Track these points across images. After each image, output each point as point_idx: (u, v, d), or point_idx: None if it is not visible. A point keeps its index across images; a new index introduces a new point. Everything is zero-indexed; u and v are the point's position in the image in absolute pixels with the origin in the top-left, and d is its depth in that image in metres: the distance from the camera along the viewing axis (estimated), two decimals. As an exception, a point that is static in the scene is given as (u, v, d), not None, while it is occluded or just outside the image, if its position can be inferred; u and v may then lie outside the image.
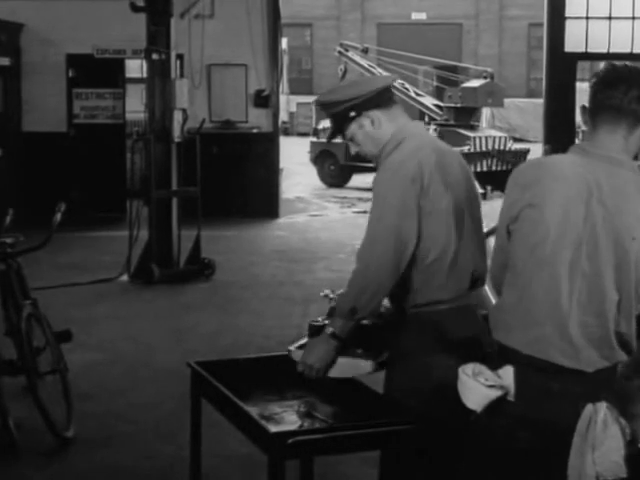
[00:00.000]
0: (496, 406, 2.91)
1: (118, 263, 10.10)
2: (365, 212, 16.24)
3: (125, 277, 10.01)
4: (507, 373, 2.91)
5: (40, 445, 5.32)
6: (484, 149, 19.03)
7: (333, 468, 4.90)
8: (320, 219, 15.32)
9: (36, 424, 5.27)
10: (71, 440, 5.35)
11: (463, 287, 3.45)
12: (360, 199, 18.05)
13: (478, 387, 2.90)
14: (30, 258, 5.71)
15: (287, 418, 3.45)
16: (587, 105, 3.00)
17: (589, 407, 2.82)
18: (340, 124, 3.55)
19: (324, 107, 3.60)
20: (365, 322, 3.44)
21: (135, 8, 10.14)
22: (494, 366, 2.96)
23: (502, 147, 19.30)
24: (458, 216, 3.42)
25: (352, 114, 3.48)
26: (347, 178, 20.75)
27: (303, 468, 4.00)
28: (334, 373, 3.47)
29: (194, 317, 8.50)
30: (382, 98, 3.49)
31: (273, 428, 3.26)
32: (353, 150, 3.59)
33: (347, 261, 11.35)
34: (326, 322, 3.49)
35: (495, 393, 2.90)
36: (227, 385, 3.64)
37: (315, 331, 3.51)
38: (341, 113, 3.50)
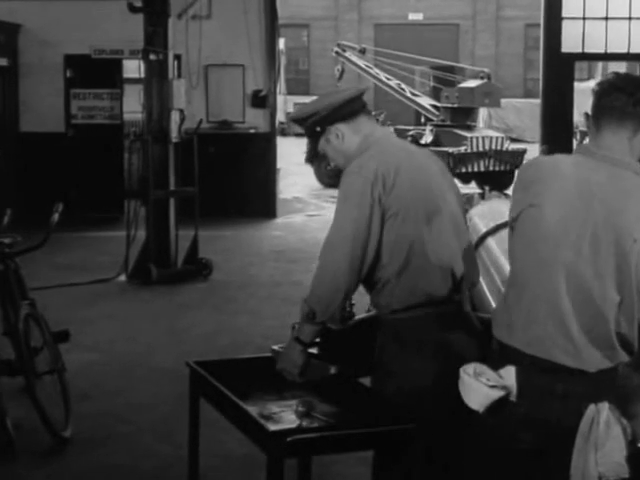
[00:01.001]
0: (498, 406, 2.92)
1: (116, 263, 10.10)
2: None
3: (123, 277, 10.01)
4: (509, 373, 2.92)
5: (38, 445, 5.32)
6: (481, 149, 19.02)
7: (331, 468, 4.91)
8: (317, 219, 15.31)
9: (34, 424, 5.27)
10: (69, 440, 5.35)
11: (442, 290, 3.34)
12: (357, 199, 18.01)
13: (480, 387, 2.90)
14: (28, 258, 5.72)
15: (286, 417, 3.45)
16: (589, 112, 3.02)
17: (592, 407, 2.83)
18: (312, 141, 3.56)
19: (296, 123, 3.61)
20: (333, 327, 3.44)
21: (133, 9, 10.14)
22: (495, 366, 2.96)
23: (499, 147, 19.28)
24: (431, 217, 3.35)
25: (317, 129, 3.50)
26: (344, 178, 20.71)
27: (301, 468, 4.01)
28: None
29: (192, 317, 8.50)
30: (343, 111, 3.47)
31: (272, 427, 3.26)
32: (331, 165, 3.61)
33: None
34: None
35: (497, 393, 2.90)
36: (226, 385, 3.65)
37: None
38: (309, 129, 3.52)
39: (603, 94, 2.98)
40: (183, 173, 10.41)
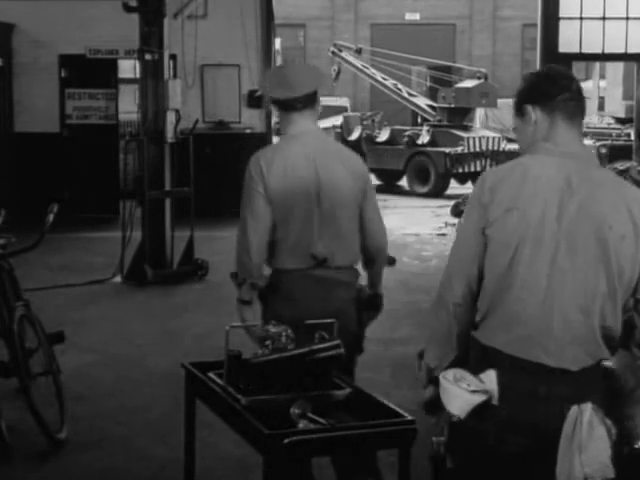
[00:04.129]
0: (482, 411, 2.89)
1: (111, 264, 10.07)
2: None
3: (118, 278, 9.98)
4: (490, 377, 2.88)
5: (32, 447, 5.29)
6: (478, 149, 19.04)
7: (328, 470, 4.88)
8: (314, 220, 15.31)
9: (28, 426, 5.24)
10: (64, 442, 5.33)
11: (306, 261, 4.05)
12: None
13: (460, 393, 2.87)
14: (22, 259, 5.69)
15: (283, 419, 3.41)
16: (532, 107, 2.99)
17: (574, 409, 2.81)
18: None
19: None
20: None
21: (128, 8, 10.11)
22: (476, 370, 2.92)
23: (496, 147, 19.30)
24: (306, 206, 4.03)
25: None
26: (340, 178, 20.72)
27: (298, 469, 3.97)
28: None
29: (187, 318, 8.47)
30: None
31: (268, 429, 3.24)
32: None
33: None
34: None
35: (478, 398, 2.87)
36: (221, 386, 3.62)
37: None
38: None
39: (554, 90, 2.97)
40: (179, 173, 10.38)
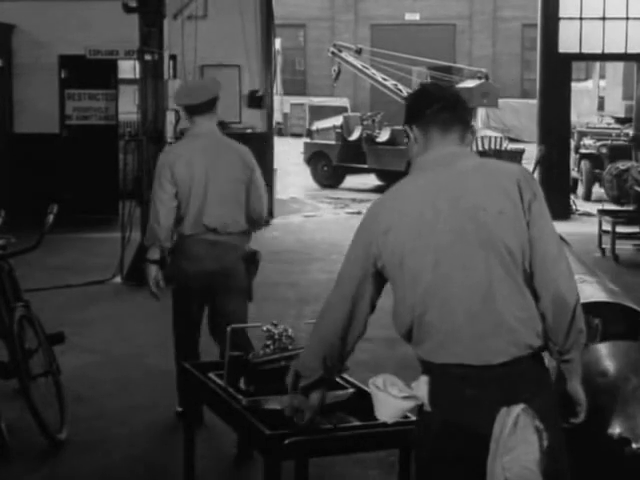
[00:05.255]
0: (418, 418, 2.88)
1: (111, 265, 10.06)
2: (359, 213, 16.22)
3: (118, 279, 9.96)
4: (420, 384, 2.86)
5: (32, 448, 5.28)
6: (480, 149, 19.03)
7: (330, 470, 4.87)
8: (314, 220, 15.30)
9: (28, 427, 5.23)
10: (64, 442, 5.31)
11: (202, 229, 5.34)
12: (354, 200, 18.02)
13: (389, 399, 2.85)
14: (22, 260, 5.68)
15: (283, 419, 3.41)
16: (409, 127, 3.00)
17: (503, 410, 2.74)
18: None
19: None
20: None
21: (128, 9, 10.10)
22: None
23: (497, 147, 19.31)
24: (203, 187, 5.32)
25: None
26: (340, 179, 20.74)
27: (298, 470, 3.97)
28: None
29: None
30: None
31: (269, 429, 3.23)
32: None
33: (341, 262, 11.32)
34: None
35: (408, 404, 2.85)
36: (222, 387, 3.61)
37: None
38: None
39: (423, 106, 2.98)
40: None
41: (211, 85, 5.58)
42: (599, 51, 14.00)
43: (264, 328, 3.70)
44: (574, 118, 15.44)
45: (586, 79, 28.37)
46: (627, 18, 13.80)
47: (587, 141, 18.45)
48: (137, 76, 10.42)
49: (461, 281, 2.81)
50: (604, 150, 17.55)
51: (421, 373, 2.91)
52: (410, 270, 2.86)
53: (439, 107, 2.96)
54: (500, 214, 2.81)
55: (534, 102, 16.28)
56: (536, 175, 13.23)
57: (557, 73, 13.96)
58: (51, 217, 5.52)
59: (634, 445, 3.46)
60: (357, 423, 3.40)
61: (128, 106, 13.85)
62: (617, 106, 23.29)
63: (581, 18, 13.80)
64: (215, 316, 5.51)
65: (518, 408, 2.72)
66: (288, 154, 22.45)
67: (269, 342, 3.62)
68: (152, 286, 5.53)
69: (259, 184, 5.54)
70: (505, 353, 2.78)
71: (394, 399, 2.84)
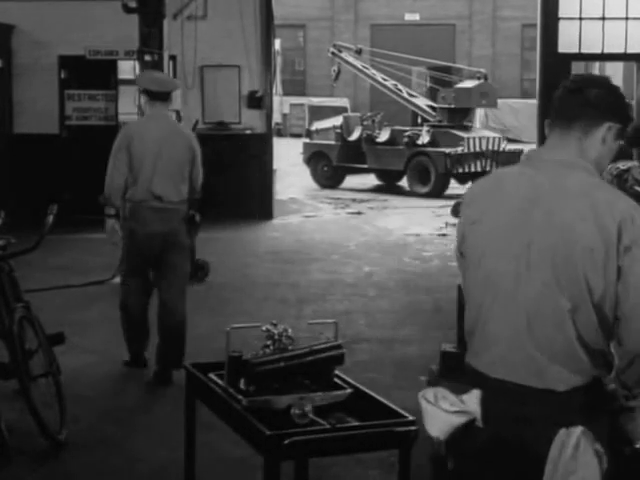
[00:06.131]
0: (466, 432, 2.78)
1: (111, 265, 10.04)
2: (359, 213, 16.23)
3: (118, 279, 9.94)
4: (472, 398, 2.78)
5: (32, 448, 5.28)
6: (478, 150, 19.04)
7: (329, 470, 4.88)
8: (314, 220, 15.30)
9: (28, 427, 5.23)
10: (64, 443, 5.31)
11: (149, 197, 6.41)
12: (354, 200, 18.02)
13: (440, 414, 2.77)
14: (22, 260, 5.68)
15: (283, 419, 3.41)
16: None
17: (562, 432, 2.65)
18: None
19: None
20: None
21: (127, 9, 10.11)
22: (465, 389, 2.83)
23: (496, 148, 19.30)
24: (152, 161, 6.38)
25: None
26: (340, 179, 20.74)
27: (297, 470, 3.97)
28: None
29: (188, 319, 8.44)
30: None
31: (269, 429, 3.23)
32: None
33: (341, 262, 11.33)
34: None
35: (459, 419, 2.77)
36: (222, 387, 3.62)
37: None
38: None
39: (557, 98, 2.91)
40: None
41: (172, 81, 7.14)
42: (599, 51, 13.98)
43: (264, 328, 3.70)
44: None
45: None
46: (627, 18, 13.78)
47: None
48: (137, 76, 10.41)
49: (535, 302, 2.71)
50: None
51: (470, 380, 2.84)
52: (486, 271, 2.79)
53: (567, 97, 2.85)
54: (591, 251, 2.67)
55: (533, 102, 16.27)
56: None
57: (557, 73, 13.92)
58: (51, 217, 5.52)
59: (635, 445, 3.45)
60: (357, 423, 3.40)
61: (128, 107, 13.82)
62: (617, 106, 23.28)
63: (581, 18, 13.79)
64: (161, 268, 6.59)
65: (578, 430, 2.65)
66: (288, 154, 22.45)
67: (269, 342, 3.62)
68: (111, 239, 6.64)
69: (198, 163, 6.67)
70: (570, 381, 2.71)
71: (445, 414, 2.76)
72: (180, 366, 6.14)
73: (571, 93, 2.87)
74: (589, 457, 2.63)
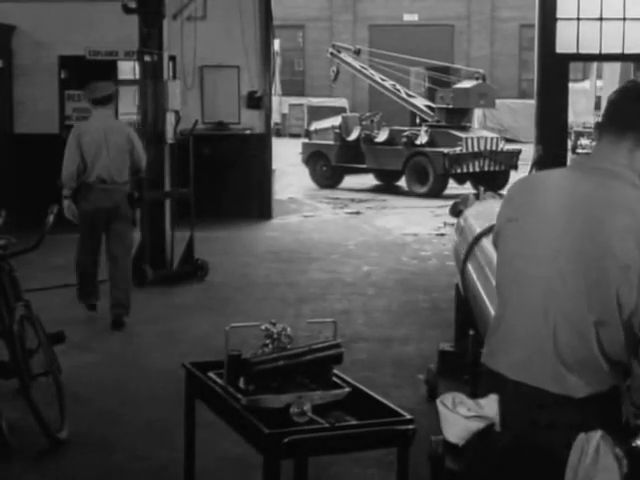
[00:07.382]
0: (484, 436, 2.77)
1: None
2: (358, 213, 16.25)
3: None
4: (490, 403, 2.76)
5: (33, 447, 5.30)
6: (476, 150, 19.05)
7: (328, 470, 4.90)
8: (313, 220, 15.32)
9: (29, 426, 5.25)
10: (64, 442, 5.33)
11: (97, 180, 8.03)
12: (353, 200, 18.04)
13: (458, 419, 2.75)
14: (22, 260, 5.70)
15: (282, 418, 3.44)
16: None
17: (581, 437, 2.63)
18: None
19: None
20: None
21: (127, 10, 10.11)
22: (481, 392, 2.82)
23: (494, 148, 19.32)
24: (98, 152, 7.97)
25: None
26: (339, 179, 20.76)
27: (297, 469, 4.00)
28: None
29: (187, 318, 8.49)
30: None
31: (268, 428, 3.26)
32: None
33: (340, 262, 11.35)
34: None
35: (477, 425, 2.74)
36: (221, 386, 3.64)
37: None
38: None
39: (611, 103, 2.81)
40: (178, 174, 10.38)
41: (108, 85, 8.51)
42: (596, 51, 14.00)
43: (263, 327, 3.72)
44: (571, 118, 15.43)
45: (583, 79, 28.37)
46: (624, 19, 13.80)
47: (584, 141, 18.51)
48: (137, 77, 10.43)
49: (563, 308, 2.68)
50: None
51: (485, 382, 2.83)
52: (516, 271, 2.77)
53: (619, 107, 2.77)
54: (627, 269, 2.62)
55: (531, 102, 16.28)
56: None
57: (554, 73, 13.96)
58: (51, 217, 5.54)
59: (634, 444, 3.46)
60: (355, 422, 3.43)
61: (128, 107, 13.84)
62: (615, 106, 23.26)
63: (578, 19, 13.80)
64: (110, 235, 8.10)
65: (597, 435, 2.62)
66: (287, 154, 22.46)
67: (268, 341, 3.65)
68: (68, 214, 7.89)
69: (139, 150, 8.27)
70: (588, 389, 2.69)
71: (463, 419, 2.74)
72: (128, 311, 8.06)
73: (628, 100, 2.77)
74: (609, 461, 2.61)
